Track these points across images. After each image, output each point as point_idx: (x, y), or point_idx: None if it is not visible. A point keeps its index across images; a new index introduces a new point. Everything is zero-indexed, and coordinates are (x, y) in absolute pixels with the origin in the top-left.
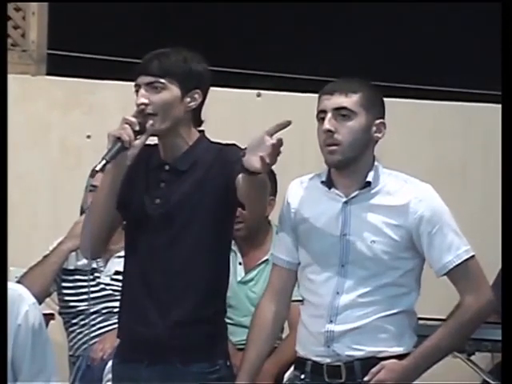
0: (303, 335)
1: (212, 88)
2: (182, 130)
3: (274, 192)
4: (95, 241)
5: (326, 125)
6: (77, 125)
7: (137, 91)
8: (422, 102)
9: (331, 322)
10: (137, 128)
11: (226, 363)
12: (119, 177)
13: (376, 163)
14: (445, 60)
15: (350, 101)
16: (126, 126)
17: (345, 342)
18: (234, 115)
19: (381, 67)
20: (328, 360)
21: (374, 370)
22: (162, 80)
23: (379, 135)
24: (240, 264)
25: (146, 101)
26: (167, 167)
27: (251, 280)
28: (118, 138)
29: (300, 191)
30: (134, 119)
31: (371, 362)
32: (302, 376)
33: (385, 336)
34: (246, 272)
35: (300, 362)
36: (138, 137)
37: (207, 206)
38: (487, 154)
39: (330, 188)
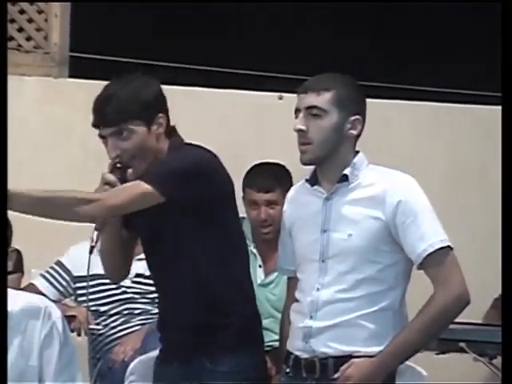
0: (289, 330)
1: (233, 91)
2: (156, 153)
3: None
4: (117, 270)
5: (297, 124)
6: None
7: (104, 141)
8: (440, 105)
9: (311, 317)
10: (118, 185)
11: (255, 363)
12: (115, 237)
13: (356, 159)
14: (460, 61)
15: (320, 99)
16: (106, 186)
17: (321, 338)
18: (256, 118)
19: (392, 69)
20: (306, 355)
21: (343, 367)
22: (126, 126)
23: (354, 132)
24: (260, 266)
25: (118, 152)
26: None
27: (271, 282)
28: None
29: (291, 195)
30: (113, 178)
31: (345, 360)
32: (287, 370)
33: (364, 334)
34: (266, 274)
35: (287, 356)
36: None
37: (200, 210)
38: None
39: (312, 185)
